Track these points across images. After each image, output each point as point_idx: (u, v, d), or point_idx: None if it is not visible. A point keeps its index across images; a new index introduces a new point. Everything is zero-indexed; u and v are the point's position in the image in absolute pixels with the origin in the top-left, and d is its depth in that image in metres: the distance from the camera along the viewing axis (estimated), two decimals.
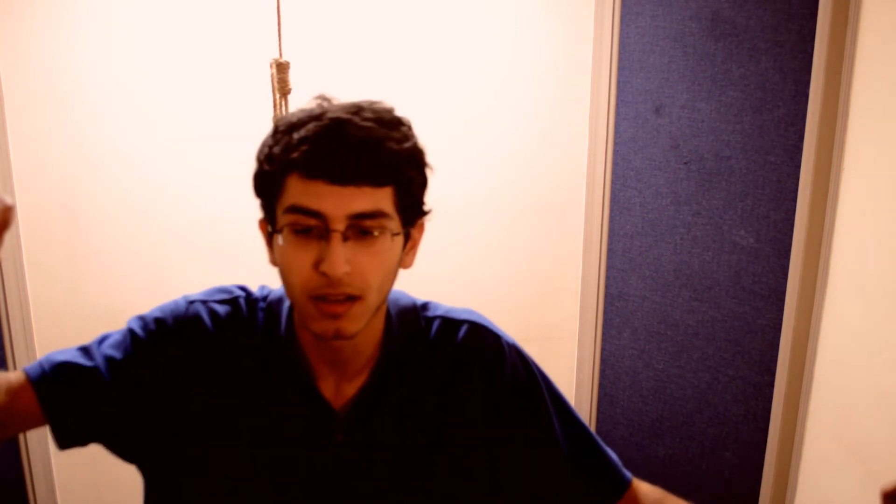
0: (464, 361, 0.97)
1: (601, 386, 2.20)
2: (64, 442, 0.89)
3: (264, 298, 0.96)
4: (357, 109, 0.82)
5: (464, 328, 0.98)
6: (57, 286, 2.03)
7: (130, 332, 0.91)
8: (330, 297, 0.82)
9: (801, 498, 1.77)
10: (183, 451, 0.91)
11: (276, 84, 1.71)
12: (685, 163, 1.91)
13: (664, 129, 1.94)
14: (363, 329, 0.86)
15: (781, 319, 1.79)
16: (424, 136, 0.87)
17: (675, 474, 2.07)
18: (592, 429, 1.04)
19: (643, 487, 1.04)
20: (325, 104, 0.84)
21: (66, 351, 0.90)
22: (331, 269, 0.80)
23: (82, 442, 0.90)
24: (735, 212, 1.85)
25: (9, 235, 1.90)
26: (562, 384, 1.04)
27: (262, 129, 0.91)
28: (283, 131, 0.83)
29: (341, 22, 2.00)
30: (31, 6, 1.88)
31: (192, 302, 0.93)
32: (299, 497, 0.92)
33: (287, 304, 0.93)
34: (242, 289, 0.97)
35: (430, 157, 0.87)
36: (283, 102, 1.72)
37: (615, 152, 2.05)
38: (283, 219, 0.83)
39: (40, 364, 0.88)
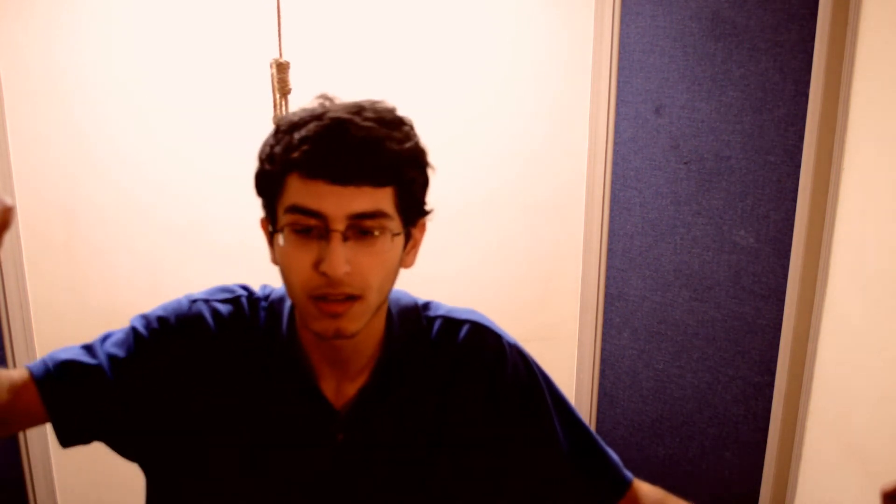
0: (465, 361, 0.97)
1: (601, 386, 2.20)
2: (66, 440, 0.89)
3: (266, 298, 0.96)
4: (358, 109, 0.82)
5: (465, 328, 0.98)
6: (57, 286, 2.03)
7: (133, 330, 0.91)
8: (330, 296, 0.82)
9: (801, 498, 1.77)
10: (184, 450, 0.91)
11: (276, 84, 1.71)
12: (685, 163, 1.91)
13: (664, 129, 1.94)
14: (364, 328, 0.86)
15: (781, 319, 1.79)
16: (424, 136, 0.87)
17: (675, 474, 2.07)
18: (592, 429, 1.04)
19: (644, 488, 1.04)
20: (327, 104, 0.84)
21: (69, 349, 0.90)
22: (331, 269, 0.80)
23: (84, 440, 0.90)
24: (735, 212, 1.85)
25: (9, 235, 1.90)
26: (562, 384, 1.04)
27: (263, 129, 0.91)
28: (285, 131, 0.83)
29: (341, 22, 2.00)
30: (31, 6, 1.88)
31: (194, 301, 0.93)
32: (300, 496, 0.92)
33: (288, 303, 0.93)
34: (245, 288, 0.97)
35: (430, 157, 0.87)
36: (283, 102, 1.72)
37: (615, 152, 2.05)
38: (283, 218, 0.83)
39: (44, 362, 0.89)
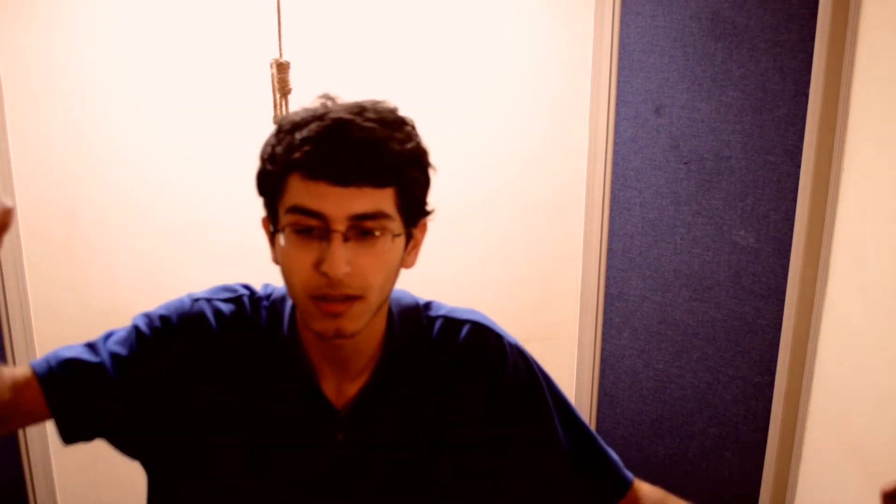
0: (465, 361, 0.97)
1: (601, 386, 2.20)
2: (68, 437, 0.89)
3: (268, 297, 0.96)
4: (360, 110, 0.82)
5: (466, 328, 0.98)
6: (57, 286, 2.03)
7: (136, 329, 0.91)
8: (330, 297, 0.82)
9: (801, 498, 1.77)
10: (185, 449, 0.91)
11: (276, 84, 1.71)
12: (685, 163, 1.92)
13: (664, 129, 1.94)
14: (364, 328, 0.86)
15: (781, 319, 1.79)
16: (424, 136, 0.87)
17: (675, 474, 2.08)
18: (593, 429, 1.04)
19: (644, 488, 1.04)
20: (329, 104, 0.84)
21: (71, 347, 0.90)
22: (331, 269, 0.80)
23: (86, 438, 0.90)
24: (735, 212, 1.85)
25: (9, 236, 1.90)
26: (562, 384, 1.04)
27: (263, 129, 0.91)
28: (287, 131, 0.83)
29: (341, 22, 2.00)
30: (31, 6, 1.88)
31: (196, 300, 0.94)
32: (300, 496, 0.92)
33: (289, 303, 0.93)
34: (246, 287, 0.97)
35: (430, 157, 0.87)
36: (284, 102, 1.72)
37: (615, 152, 2.05)
38: (284, 218, 0.83)
39: (46, 360, 0.89)
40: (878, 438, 1.49)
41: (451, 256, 2.14)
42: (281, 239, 0.84)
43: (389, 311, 0.95)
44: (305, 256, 0.82)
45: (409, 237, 0.88)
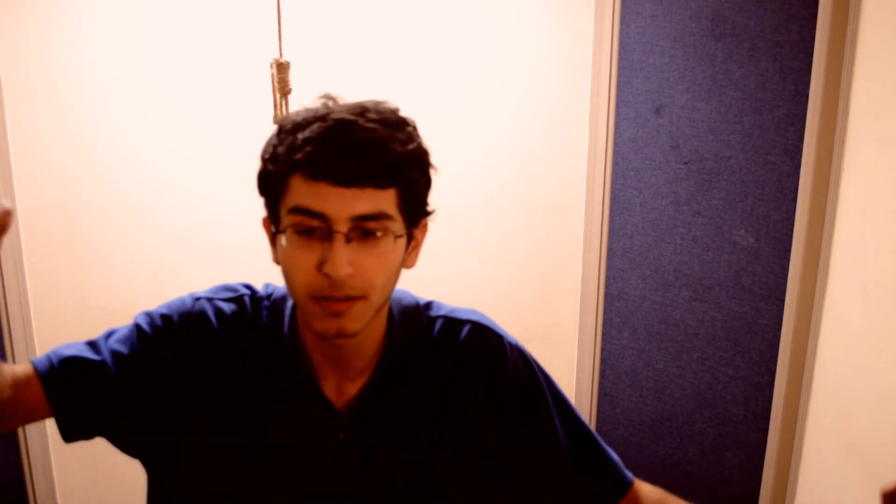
0: (466, 361, 0.97)
1: (601, 386, 2.20)
2: (69, 435, 0.89)
3: (269, 297, 0.96)
4: (362, 110, 0.82)
5: (466, 328, 0.98)
6: (57, 286, 2.03)
7: (137, 327, 0.91)
8: (332, 297, 0.82)
9: (801, 498, 1.77)
10: (185, 448, 0.91)
11: (276, 84, 1.70)
12: (685, 163, 1.92)
13: (664, 129, 1.94)
14: (365, 328, 0.86)
15: (781, 319, 1.79)
16: (424, 136, 0.87)
17: (675, 474, 2.08)
18: (593, 429, 1.05)
19: (644, 488, 1.04)
20: (331, 104, 0.84)
21: (72, 345, 0.90)
22: (333, 270, 0.80)
23: (87, 435, 0.90)
24: (735, 212, 1.85)
25: (8, 236, 1.90)
26: (562, 384, 1.04)
27: (263, 129, 0.91)
28: (288, 131, 0.83)
29: (341, 22, 2.00)
30: (31, 6, 1.88)
31: (197, 299, 0.94)
32: (300, 496, 0.92)
33: (290, 302, 0.93)
34: (248, 287, 0.97)
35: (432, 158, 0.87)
36: (284, 102, 1.72)
37: (615, 152, 2.05)
38: (286, 219, 0.83)
39: (48, 357, 0.89)
40: (878, 438, 1.49)
41: (451, 257, 2.14)
42: (282, 239, 0.84)
43: (390, 311, 0.95)
44: (307, 257, 0.82)
45: (410, 238, 0.88)
